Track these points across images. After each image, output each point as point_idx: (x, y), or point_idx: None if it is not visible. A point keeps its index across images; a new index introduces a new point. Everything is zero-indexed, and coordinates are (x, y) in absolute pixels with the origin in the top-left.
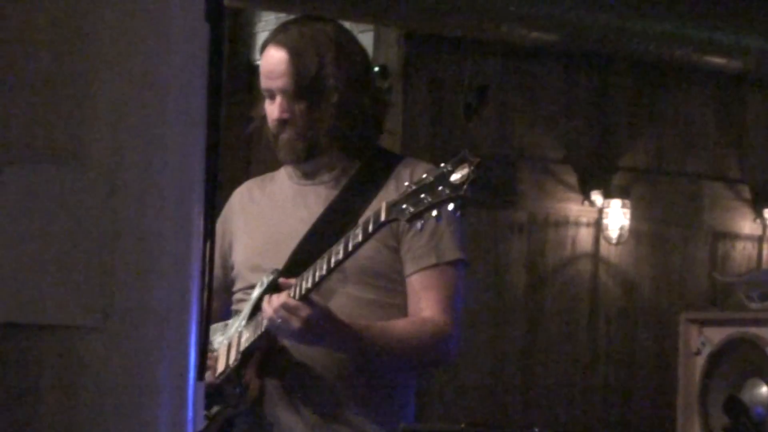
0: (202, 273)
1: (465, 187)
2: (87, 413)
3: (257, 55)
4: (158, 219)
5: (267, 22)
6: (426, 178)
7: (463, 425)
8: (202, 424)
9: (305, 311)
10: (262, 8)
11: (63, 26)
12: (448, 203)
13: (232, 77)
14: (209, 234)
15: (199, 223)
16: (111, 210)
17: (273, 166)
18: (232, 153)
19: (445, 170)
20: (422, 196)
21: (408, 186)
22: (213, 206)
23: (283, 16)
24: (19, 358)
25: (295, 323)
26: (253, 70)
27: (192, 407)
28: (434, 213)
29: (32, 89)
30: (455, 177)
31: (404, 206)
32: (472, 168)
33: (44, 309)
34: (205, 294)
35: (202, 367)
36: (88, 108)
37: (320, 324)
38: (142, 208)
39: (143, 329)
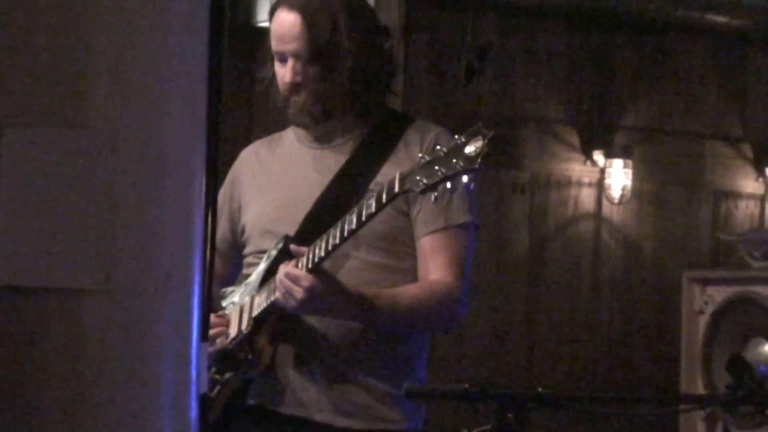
0: (204, 234)
1: (479, 160)
2: (90, 374)
3: (258, 17)
4: (160, 180)
5: None
6: (440, 149)
7: (466, 385)
8: (206, 384)
9: (308, 281)
10: None
11: None
12: (462, 175)
13: (232, 39)
14: (211, 196)
15: (201, 185)
16: (112, 171)
17: (276, 127)
18: (233, 114)
19: (458, 142)
20: (436, 167)
21: (422, 157)
22: (215, 167)
23: None
24: (22, 321)
25: (298, 293)
26: (254, 32)
27: (195, 367)
28: (448, 185)
29: (33, 52)
30: (469, 149)
31: (418, 177)
32: (485, 141)
33: (47, 272)
34: (208, 255)
35: (206, 327)
36: (89, 69)
37: (325, 293)
38: (144, 169)
39: (145, 291)
